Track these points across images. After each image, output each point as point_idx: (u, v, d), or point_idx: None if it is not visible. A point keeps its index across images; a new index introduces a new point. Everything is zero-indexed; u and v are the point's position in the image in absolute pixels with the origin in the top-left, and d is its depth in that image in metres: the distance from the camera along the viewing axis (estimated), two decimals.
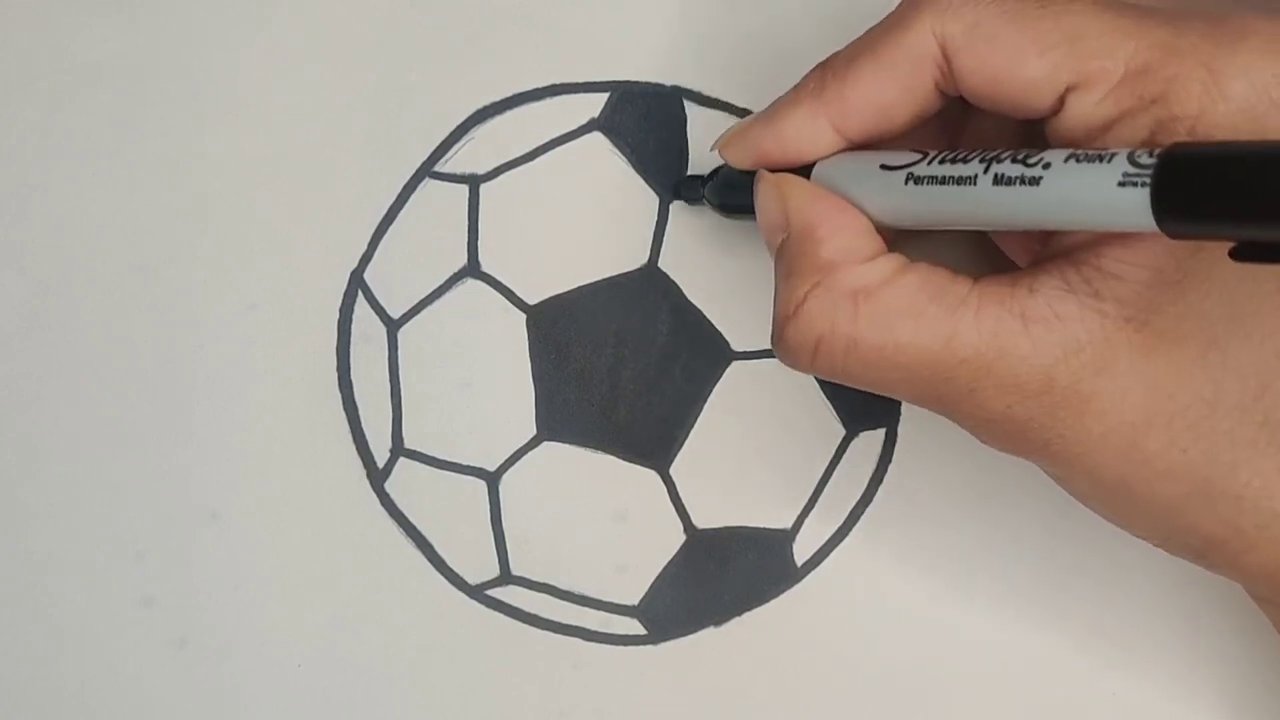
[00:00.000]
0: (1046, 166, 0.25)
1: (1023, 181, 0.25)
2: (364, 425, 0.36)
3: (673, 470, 0.35)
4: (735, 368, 0.35)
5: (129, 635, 0.35)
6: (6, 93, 0.36)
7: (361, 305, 0.36)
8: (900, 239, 0.30)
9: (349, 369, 0.36)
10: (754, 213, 0.30)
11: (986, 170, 0.26)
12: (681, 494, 0.36)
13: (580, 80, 0.36)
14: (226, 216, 0.36)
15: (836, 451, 0.36)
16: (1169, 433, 0.26)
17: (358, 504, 0.35)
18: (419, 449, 0.36)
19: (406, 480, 0.36)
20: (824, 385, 0.36)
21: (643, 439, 0.35)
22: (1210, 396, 0.26)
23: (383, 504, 0.35)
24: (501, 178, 0.36)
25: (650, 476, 0.36)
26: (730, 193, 0.33)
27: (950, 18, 0.27)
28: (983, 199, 0.26)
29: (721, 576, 0.35)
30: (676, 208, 0.35)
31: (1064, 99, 0.26)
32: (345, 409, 0.36)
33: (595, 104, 0.36)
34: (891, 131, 0.29)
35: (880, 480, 0.36)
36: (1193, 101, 0.25)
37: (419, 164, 0.36)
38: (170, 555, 0.35)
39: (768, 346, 0.35)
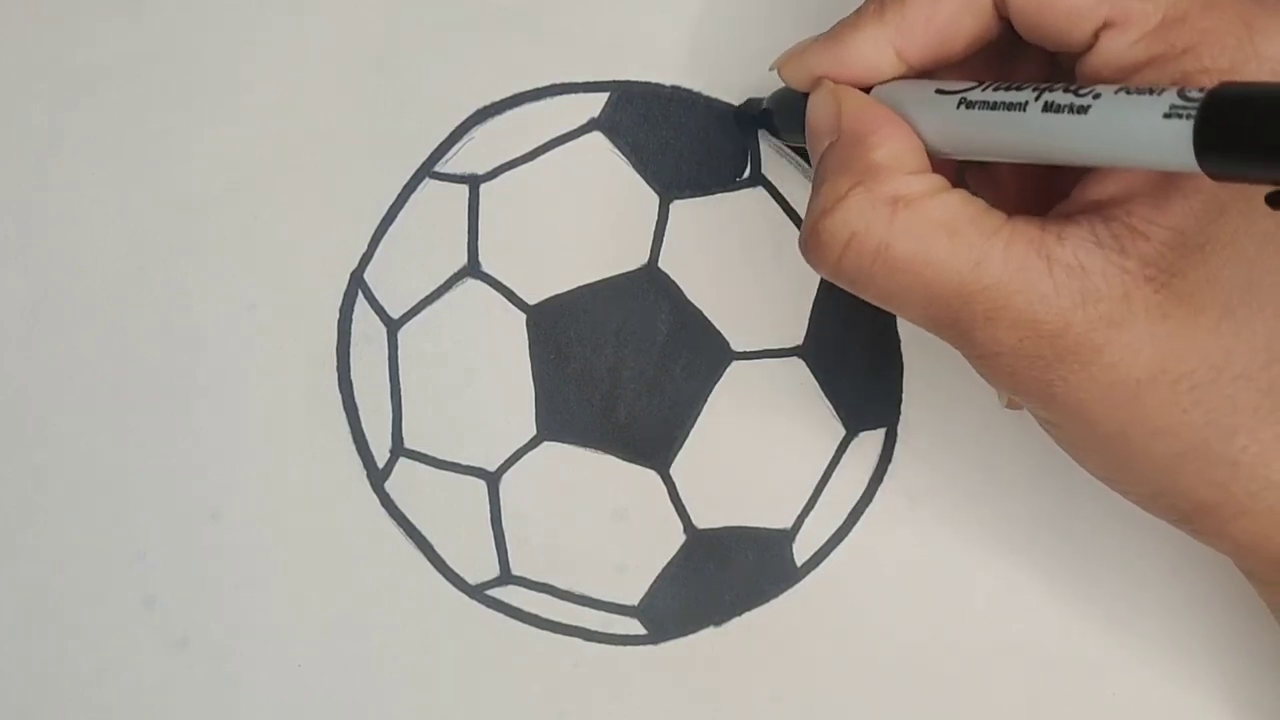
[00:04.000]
0: (1097, 96, 0.25)
1: (1072, 110, 0.26)
2: (364, 425, 0.36)
3: (673, 470, 0.35)
4: (735, 368, 0.35)
5: (130, 635, 0.35)
6: (8, 93, 0.36)
7: (361, 305, 0.36)
8: None
9: (349, 369, 0.36)
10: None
11: (1038, 98, 0.26)
12: (681, 494, 0.36)
13: (580, 80, 0.36)
14: (227, 216, 0.36)
15: (836, 451, 0.36)
16: (1173, 392, 0.27)
17: (358, 504, 0.35)
18: (419, 449, 0.36)
19: (406, 480, 0.36)
20: (824, 384, 0.36)
21: (643, 439, 0.35)
22: (1218, 363, 0.26)
23: (383, 504, 0.35)
24: (501, 178, 0.36)
25: (650, 476, 0.36)
26: (785, 113, 0.33)
27: None
28: (1031, 126, 0.27)
29: (721, 576, 0.35)
30: (677, 207, 0.35)
31: (1099, 35, 0.26)
32: (345, 409, 0.36)
33: (595, 104, 0.36)
34: (949, 57, 0.29)
35: (880, 480, 0.36)
36: (1225, 55, 0.25)
37: (419, 164, 0.36)
38: (171, 555, 0.35)
39: (768, 346, 0.35)
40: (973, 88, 0.28)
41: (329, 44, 0.36)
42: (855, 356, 0.36)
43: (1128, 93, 0.25)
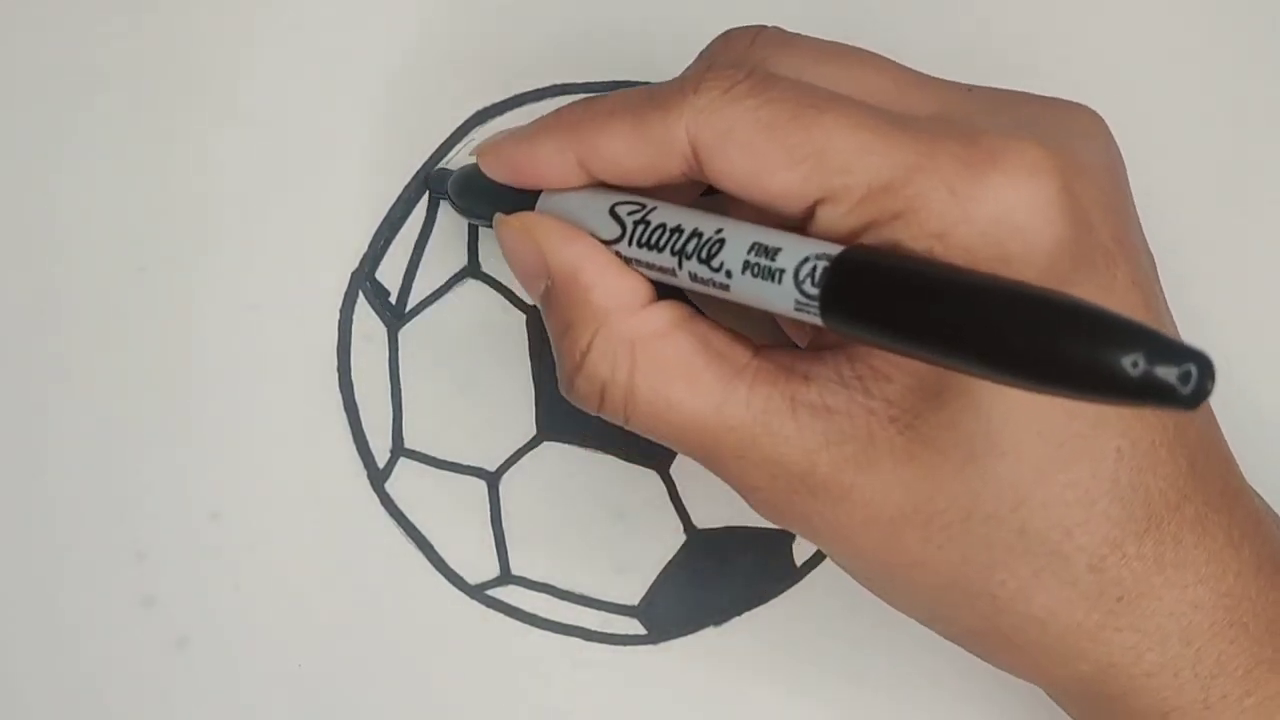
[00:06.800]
0: (729, 274, 0.26)
1: (714, 285, 0.26)
2: (364, 425, 0.36)
3: (673, 470, 0.35)
4: None
5: (129, 635, 0.35)
6: (10, 95, 0.36)
7: (362, 305, 0.36)
8: None
9: (349, 369, 0.36)
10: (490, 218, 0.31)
11: (680, 266, 0.27)
12: (681, 494, 0.36)
13: (580, 80, 0.36)
14: (227, 217, 0.36)
15: None
16: (925, 530, 0.26)
17: (358, 504, 0.35)
18: (419, 449, 0.36)
19: (406, 480, 0.36)
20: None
21: (643, 439, 0.35)
22: (967, 505, 0.26)
23: (383, 504, 0.35)
24: None
25: (650, 476, 0.36)
26: (471, 194, 0.33)
27: (704, 120, 0.26)
28: (688, 285, 0.27)
29: (721, 576, 0.35)
30: None
31: (815, 208, 0.26)
32: (345, 409, 0.36)
33: None
34: (637, 186, 0.28)
35: None
36: (933, 220, 0.24)
37: (420, 164, 0.36)
38: (170, 555, 0.35)
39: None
40: (620, 238, 0.28)
41: (329, 45, 0.36)
42: None
43: (754, 273, 0.25)
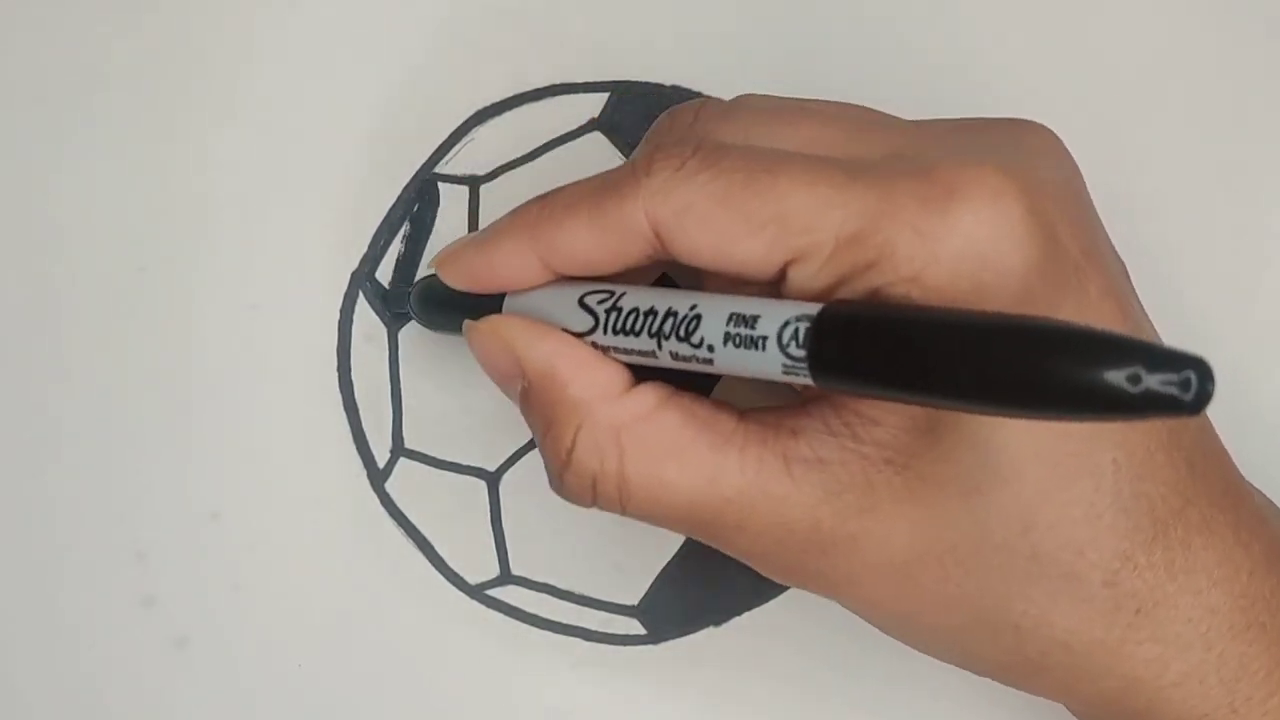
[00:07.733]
0: (711, 349, 0.25)
1: (697, 360, 0.26)
2: (364, 425, 0.36)
3: None
4: None
5: (129, 635, 0.35)
6: (10, 94, 0.36)
7: (362, 305, 0.36)
8: None
9: (349, 369, 0.36)
10: (457, 329, 0.30)
11: (660, 347, 0.26)
12: None
13: (580, 80, 0.36)
14: (227, 217, 0.36)
15: None
16: (941, 568, 0.26)
17: (358, 504, 0.35)
18: (419, 449, 0.36)
19: (406, 480, 0.36)
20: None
21: None
22: (976, 537, 0.26)
23: (383, 504, 0.35)
24: (501, 178, 0.36)
25: None
26: (433, 305, 0.33)
27: (661, 201, 0.26)
28: (670, 364, 0.26)
29: (721, 576, 0.35)
30: None
31: (785, 270, 0.25)
32: (345, 409, 0.36)
33: (595, 104, 0.36)
34: (602, 275, 0.28)
35: None
36: (904, 265, 0.24)
37: (419, 165, 0.36)
38: (170, 555, 0.35)
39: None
40: (593, 329, 0.27)
41: (329, 45, 0.36)
42: None
43: (735, 344, 0.25)
